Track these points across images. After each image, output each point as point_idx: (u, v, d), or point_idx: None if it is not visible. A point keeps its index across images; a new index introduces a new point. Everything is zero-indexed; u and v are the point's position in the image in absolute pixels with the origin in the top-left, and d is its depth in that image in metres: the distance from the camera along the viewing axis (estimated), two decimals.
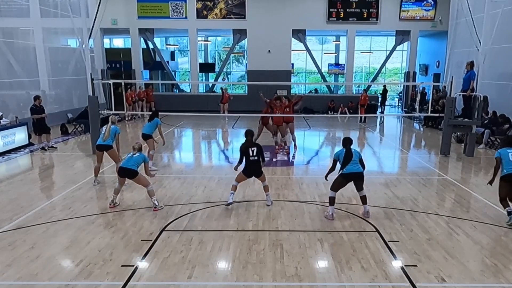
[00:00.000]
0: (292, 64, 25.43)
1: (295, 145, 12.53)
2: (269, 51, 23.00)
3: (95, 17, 17.93)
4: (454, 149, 12.34)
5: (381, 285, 4.72)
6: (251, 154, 7.10)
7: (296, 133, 12.83)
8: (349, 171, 6.61)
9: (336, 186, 6.78)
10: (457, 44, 18.94)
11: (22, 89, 15.64)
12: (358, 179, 6.71)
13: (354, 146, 12.78)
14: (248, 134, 7.33)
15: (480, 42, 15.97)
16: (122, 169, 7.08)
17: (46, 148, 12.17)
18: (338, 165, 6.77)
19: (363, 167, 6.78)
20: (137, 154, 7.14)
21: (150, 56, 25.99)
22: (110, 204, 7.21)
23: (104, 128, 8.70)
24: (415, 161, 11.69)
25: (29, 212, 6.96)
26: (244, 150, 7.16)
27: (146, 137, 10.26)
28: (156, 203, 7.10)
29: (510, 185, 6.53)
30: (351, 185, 8.76)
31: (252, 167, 7.17)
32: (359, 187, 6.78)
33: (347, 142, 6.80)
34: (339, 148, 12.01)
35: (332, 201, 6.73)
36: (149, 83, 24.43)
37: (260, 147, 7.27)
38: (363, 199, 6.83)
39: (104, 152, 8.52)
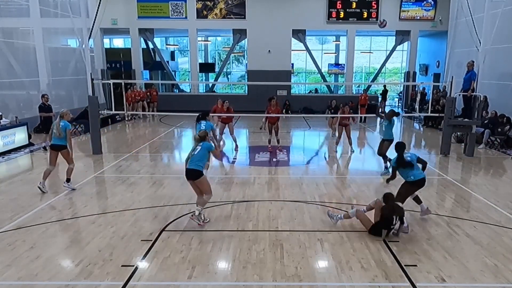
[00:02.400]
0: (292, 64, 25.43)
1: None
2: (269, 51, 23.00)
3: (95, 17, 17.94)
4: (454, 149, 12.34)
5: (381, 285, 4.72)
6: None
7: (293, 133, 12.81)
8: (417, 177, 6.53)
9: (404, 195, 6.57)
10: (457, 44, 18.93)
11: (22, 89, 15.64)
12: (423, 184, 6.65)
13: (354, 146, 12.90)
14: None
15: (480, 42, 15.97)
16: (187, 171, 6.30)
17: (47, 147, 12.17)
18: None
19: (424, 165, 6.77)
20: (199, 147, 6.30)
21: (150, 56, 25.99)
22: (199, 223, 6.32)
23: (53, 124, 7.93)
24: None
25: (29, 212, 6.96)
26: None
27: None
28: (197, 213, 6.30)
29: None
30: (351, 185, 8.79)
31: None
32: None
33: (399, 147, 6.79)
34: (339, 148, 12.02)
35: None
36: (149, 83, 24.46)
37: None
38: (418, 199, 6.80)
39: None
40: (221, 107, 12.68)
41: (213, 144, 6.68)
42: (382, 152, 9.73)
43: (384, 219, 5.87)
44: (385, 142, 9.70)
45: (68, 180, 8.25)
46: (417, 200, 6.81)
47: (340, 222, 6.42)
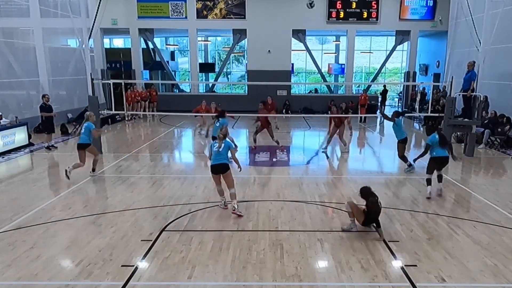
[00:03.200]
0: (292, 64, 25.43)
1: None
2: (269, 51, 23.00)
3: (95, 17, 17.95)
4: (454, 149, 12.27)
5: (381, 285, 4.72)
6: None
7: (293, 133, 12.83)
8: (439, 154, 7.87)
9: (431, 168, 8.01)
10: (457, 44, 18.93)
11: (22, 89, 15.65)
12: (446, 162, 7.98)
13: (354, 146, 12.89)
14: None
15: (480, 42, 15.97)
16: (215, 166, 6.87)
17: (50, 147, 12.23)
18: None
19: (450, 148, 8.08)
20: (223, 144, 6.85)
21: (150, 56, 25.99)
22: (224, 206, 7.14)
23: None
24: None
25: (29, 212, 6.96)
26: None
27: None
28: (236, 206, 6.83)
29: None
30: (351, 185, 8.79)
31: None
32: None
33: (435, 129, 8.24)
34: (338, 147, 12.00)
35: (429, 182, 7.99)
36: (149, 83, 24.46)
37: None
38: (440, 177, 8.05)
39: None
40: (205, 108, 13.69)
41: (233, 144, 7.51)
42: (400, 154, 10.11)
43: (373, 214, 5.98)
44: (399, 144, 10.11)
45: (94, 170, 9.40)
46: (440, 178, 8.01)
47: (356, 224, 6.29)
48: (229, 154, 7.00)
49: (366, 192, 6.13)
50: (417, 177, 9.54)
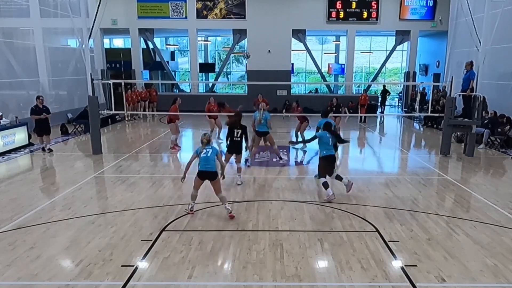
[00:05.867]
0: (292, 64, 25.43)
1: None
2: (269, 51, 23.00)
3: (95, 17, 17.94)
4: (454, 149, 12.34)
5: (381, 285, 4.72)
6: (235, 135, 8.55)
7: (293, 133, 12.85)
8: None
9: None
10: (457, 44, 18.94)
11: (22, 89, 15.65)
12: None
13: (354, 146, 12.89)
14: (236, 115, 8.81)
15: (480, 42, 15.98)
16: (202, 172, 6.62)
17: (47, 149, 11.94)
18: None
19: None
20: (210, 149, 6.65)
21: (150, 56, 26.00)
22: (190, 211, 6.88)
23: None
24: (415, 161, 11.69)
25: (29, 212, 6.96)
26: (230, 129, 8.71)
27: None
28: (230, 208, 6.73)
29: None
30: (353, 185, 8.79)
31: (235, 145, 8.69)
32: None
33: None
34: (339, 147, 12.00)
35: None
36: (149, 83, 24.46)
37: (244, 128, 8.63)
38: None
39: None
40: (214, 105, 13.69)
41: (218, 149, 7.26)
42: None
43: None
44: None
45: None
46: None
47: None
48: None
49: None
50: (417, 177, 9.55)
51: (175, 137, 12.68)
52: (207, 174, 6.63)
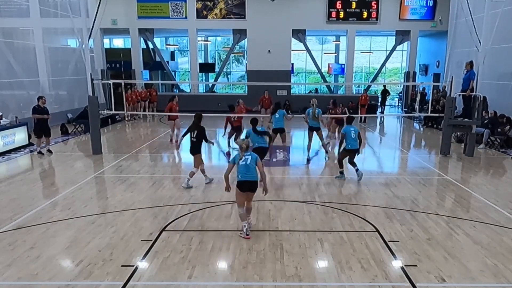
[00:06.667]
0: (292, 64, 25.43)
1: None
2: (269, 51, 23.00)
3: (95, 17, 17.94)
4: (454, 149, 12.34)
5: (381, 285, 4.72)
6: (192, 135, 8.45)
7: (293, 133, 12.83)
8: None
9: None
10: (457, 44, 18.94)
11: (22, 89, 15.64)
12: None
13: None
14: (196, 116, 8.68)
15: (480, 42, 15.97)
16: (244, 183, 5.77)
17: (43, 152, 11.68)
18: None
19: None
20: (249, 156, 5.81)
21: (150, 56, 26.00)
22: (246, 235, 5.86)
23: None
24: (415, 161, 11.70)
25: (29, 212, 6.96)
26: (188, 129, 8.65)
27: (282, 130, 10.98)
28: (247, 226, 5.89)
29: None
30: (351, 185, 8.79)
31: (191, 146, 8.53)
32: None
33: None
34: (337, 147, 11.94)
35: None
36: (149, 83, 24.46)
37: (201, 130, 8.46)
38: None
39: None
40: (244, 107, 12.87)
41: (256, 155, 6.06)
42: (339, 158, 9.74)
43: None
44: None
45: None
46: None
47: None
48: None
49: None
50: (417, 177, 9.55)
51: (174, 133, 13.16)
52: (249, 185, 5.78)
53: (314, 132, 11.25)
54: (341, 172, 9.21)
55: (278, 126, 10.98)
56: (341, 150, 9.43)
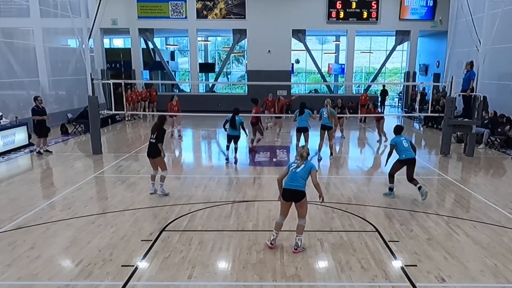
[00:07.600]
0: (292, 64, 25.43)
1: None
2: (269, 51, 23.01)
3: (95, 17, 17.89)
4: (454, 149, 12.34)
5: (381, 285, 4.72)
6: (151, 137, 8.03)
7: (294, 133, 12.89)
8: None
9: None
10: (457, 44, 18.93)
11: (22, 89, 15.65)
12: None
13: (354, 146, 12.87)
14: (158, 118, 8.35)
15: (480, 42, 15.97)
16: (286, 191, 5.52)
17: (42, 152, 11.67)
18: None
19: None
20: (303, 165, 5.52)
21: (150, 56, 26.00)
22: (270, 244, 5.62)
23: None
24: None
25: (29, 212, 6.96)
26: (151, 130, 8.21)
27: (306, 129, 11.03)
28: (300, 243, 5.55)
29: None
30: (351, 185, 8.79)
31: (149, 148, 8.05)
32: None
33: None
34: (337, 147, 11.97)
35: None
36: (149, 83, 24.46)
37: (161, 132, 8.09)
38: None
39: None
40: (272, 100, 14.39)
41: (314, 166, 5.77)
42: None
43: None
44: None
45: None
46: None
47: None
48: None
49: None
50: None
51: (175, 129, 13.63)
52: (292, 194, 5.48)
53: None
54: (391, 189, 7.99)
55: (302, 125, 11.04)
56: (388, 161, 8.14)
